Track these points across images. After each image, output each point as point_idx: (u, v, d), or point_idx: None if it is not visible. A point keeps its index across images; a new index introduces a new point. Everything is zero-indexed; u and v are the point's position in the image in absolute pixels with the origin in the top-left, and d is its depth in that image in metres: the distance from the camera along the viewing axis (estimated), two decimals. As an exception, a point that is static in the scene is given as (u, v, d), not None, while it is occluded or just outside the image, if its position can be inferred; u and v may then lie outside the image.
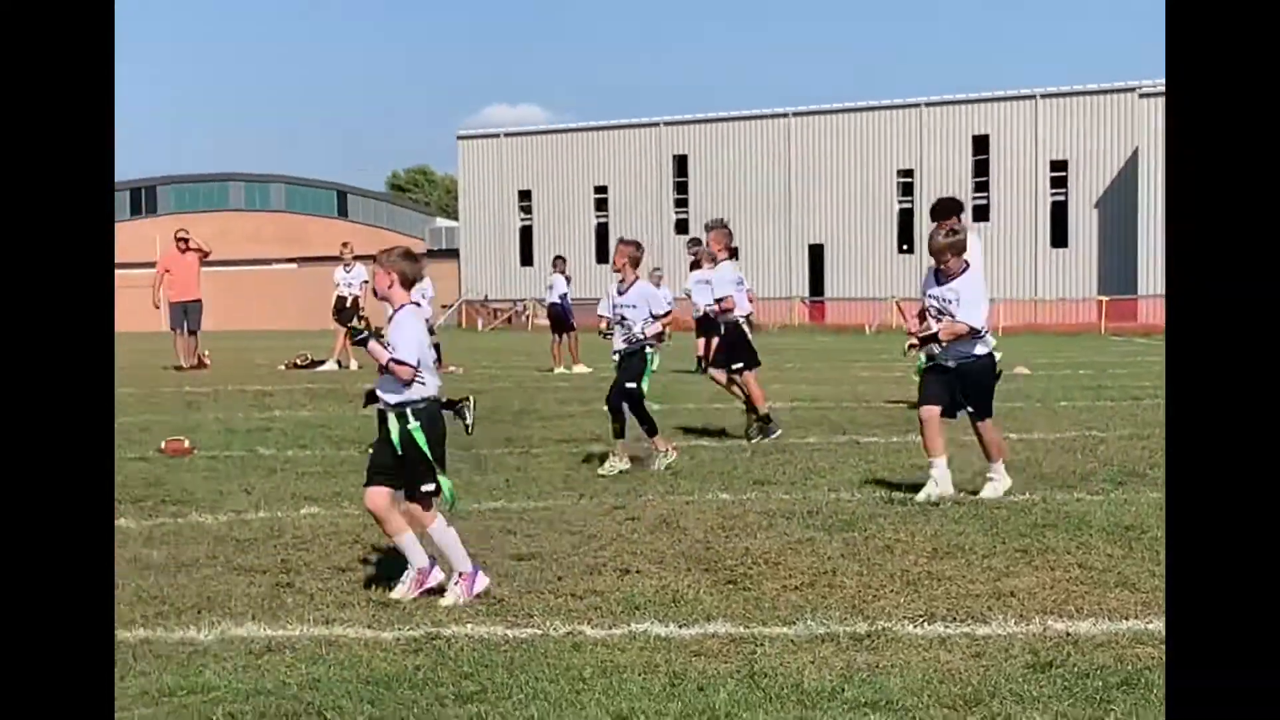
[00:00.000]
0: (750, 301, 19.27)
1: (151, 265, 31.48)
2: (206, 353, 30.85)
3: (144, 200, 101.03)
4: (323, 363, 31.67)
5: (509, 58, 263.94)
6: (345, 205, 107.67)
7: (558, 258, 35.27)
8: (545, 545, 10.93)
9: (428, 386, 9.20)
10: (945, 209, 21.20)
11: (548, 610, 8.88)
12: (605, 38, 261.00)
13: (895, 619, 8.58)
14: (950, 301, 12.81)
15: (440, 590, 9.20)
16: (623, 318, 15.24)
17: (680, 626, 8.44)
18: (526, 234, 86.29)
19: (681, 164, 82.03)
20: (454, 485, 9.58)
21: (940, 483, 12.86)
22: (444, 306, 39.35)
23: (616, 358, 15.38)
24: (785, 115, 79.41)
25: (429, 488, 9.20)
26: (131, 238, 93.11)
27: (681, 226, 79.41)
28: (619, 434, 15.16)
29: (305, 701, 7.04)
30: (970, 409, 13.00)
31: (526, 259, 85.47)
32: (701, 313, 30.83)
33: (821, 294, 79.20)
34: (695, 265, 32.82)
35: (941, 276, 12.94)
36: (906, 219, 77.02)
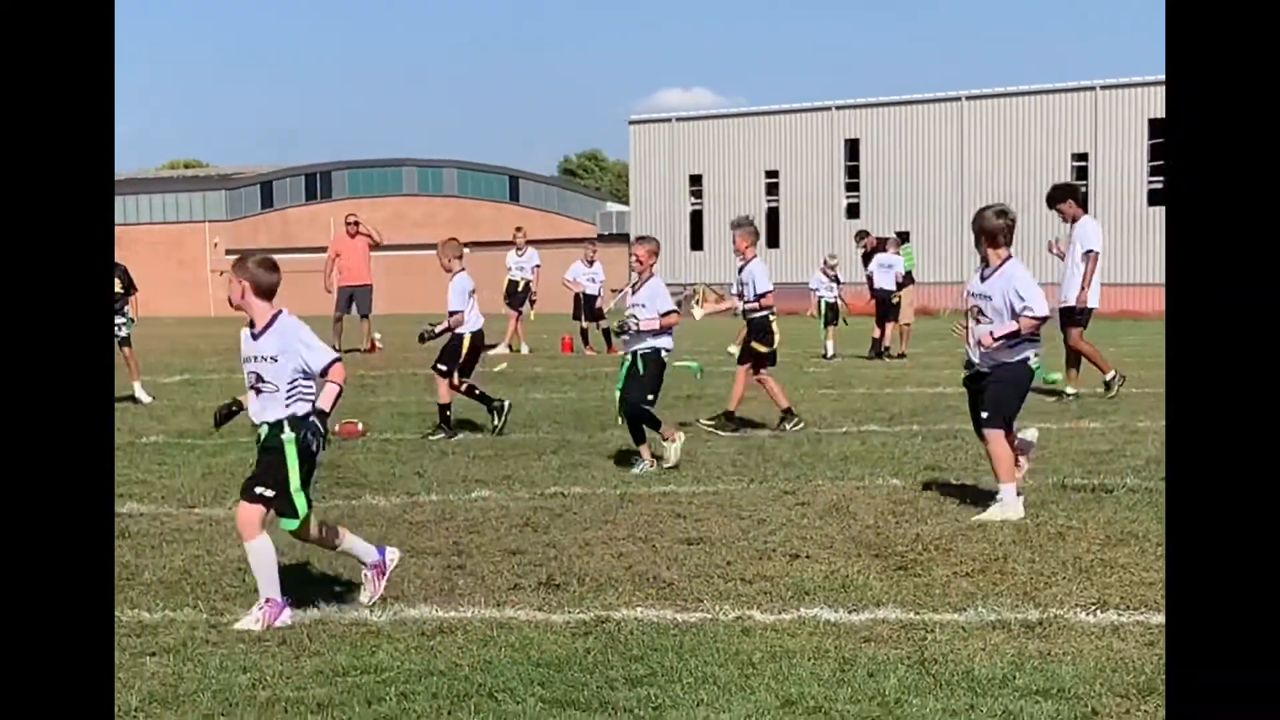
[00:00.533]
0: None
1: (325, 250, 31.80)
2: (379, 336, 31.18)
3: (319, 185, 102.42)
4: (494, 346, 31.91)
5: (681, 41, 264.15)
6: (517, 190, 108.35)
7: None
8: (714, 530, 10.94)
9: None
10: (1055, 196, 20.90)
11: (717, 595, 8.88)
12: (776, 20, 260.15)
13: (1067, 606, 8.47)
14: (988, 300, 11.59)
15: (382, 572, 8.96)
16: (634, 317, 14.42)
17: (850, 612, 8.40)
18: (697, 218, 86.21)
19: (853, 148, 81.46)
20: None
21: (1007, 507, 11.35)
22: (613, 291, 39.57)
23: (629, 359, 14.49)
24: (959, 99, 78.56)
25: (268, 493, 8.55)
26: (307, 223, 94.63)
27: (853, 211, 78.94)
28: (641, 439, 14.37)
29: (476, 683, 7.11)
30: (982, 413, 11.63)
31: (697, 243, 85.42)
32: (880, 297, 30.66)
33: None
34: (870, 252, 32.63)
35: (983, 270, 11.78)
36: (1083, 202, 75.94)
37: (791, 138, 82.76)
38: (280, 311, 8.66)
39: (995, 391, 11.50)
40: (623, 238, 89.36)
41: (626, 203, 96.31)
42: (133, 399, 20.94)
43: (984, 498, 11.87)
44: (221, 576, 9.63)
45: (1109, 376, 20.32)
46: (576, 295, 31.77)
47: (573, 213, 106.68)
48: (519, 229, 33.25)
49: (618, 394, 14.44)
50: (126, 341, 21.06)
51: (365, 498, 12.51)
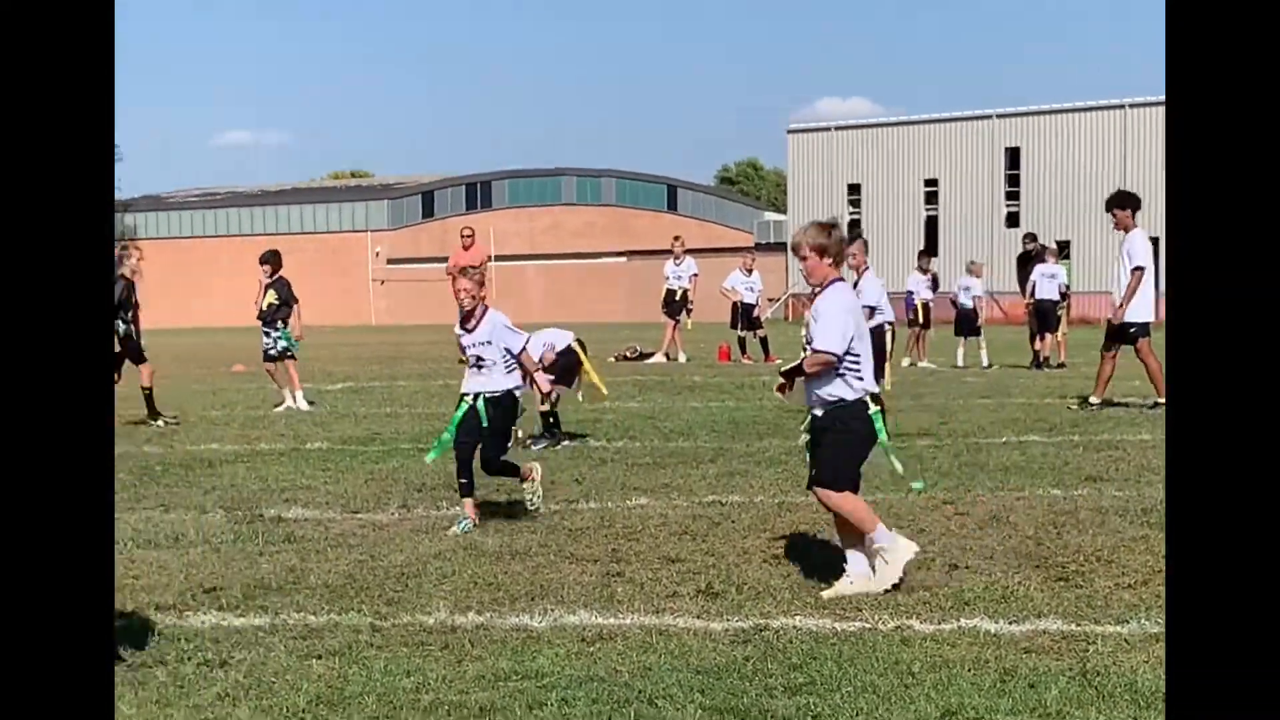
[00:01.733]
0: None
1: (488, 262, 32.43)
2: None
3: (479, 195, 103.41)
4: (651, 355, 32.05)
5: (839, 51, 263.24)
6: (675, 199, 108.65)
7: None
8: (873, 539, 10.90)
9: None
10: (1115, 201, 19.72)
11: (876, 604, 8.86)
12: (935, 28, 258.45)
13: (1234, 621, 8.35)
14: (811, 324, 9.60)
15: None
16: (478, 358, 12.28)
17: (1010, 623, 8.35)
18: (855, 228, 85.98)
19: (1014, 156, 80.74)
20: None
21: (853, 579, 9.31)
22: (770, 300, 39.42)
23: (471, 401, 12.27)
24: (1121, 107, 77.59)
25: None
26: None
27: (1013, 220, 78.25)
28: (468, 491, 12.07)
29: (636, 689, 7.16)
30: (811, 469, 9.62)
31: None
32: (1039, 303, 30.32)
33: (1158, 288, 77.15)
34: (1026, 258, 32.32)
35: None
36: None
37: (951, 146, 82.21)
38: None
39: (827, 442, 9.46)
40: (780, 247, 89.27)
41: (784, 212, 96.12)
42: (289, 407, 21.35)
43: (1147, 509, 11.74)
44: (385, 581, 9.76)
45: (1095, 400, 19.82)
46: (734, 304, 31.83)
47: (730, 222, 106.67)
48: (677, 238, 33.40)
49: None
50: (286, 354, 21.46)
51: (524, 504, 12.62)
